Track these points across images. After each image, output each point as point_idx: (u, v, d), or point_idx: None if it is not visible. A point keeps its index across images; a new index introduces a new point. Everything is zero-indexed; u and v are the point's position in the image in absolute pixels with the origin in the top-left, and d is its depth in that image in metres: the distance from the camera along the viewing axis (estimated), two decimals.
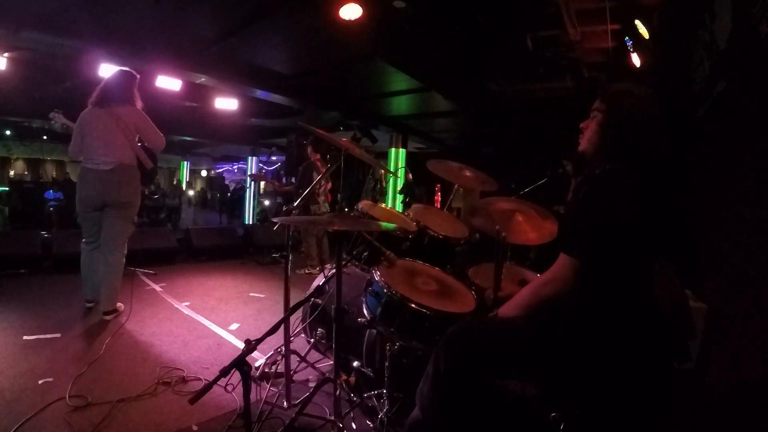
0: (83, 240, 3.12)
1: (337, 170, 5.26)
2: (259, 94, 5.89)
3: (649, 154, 1.29)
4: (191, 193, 16.75)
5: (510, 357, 1.33)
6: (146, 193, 3.48)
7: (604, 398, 1.23)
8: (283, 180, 6.89)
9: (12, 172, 16.17)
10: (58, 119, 3.34)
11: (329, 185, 5.29)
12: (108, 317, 3.11)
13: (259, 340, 1.29)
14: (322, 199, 5.10)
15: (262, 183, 12.19)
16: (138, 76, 3.19)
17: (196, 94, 6.03)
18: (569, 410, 1.23)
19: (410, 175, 5.39)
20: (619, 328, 1.22)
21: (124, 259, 3.19)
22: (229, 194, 15.56)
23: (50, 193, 9.29)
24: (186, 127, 9.41)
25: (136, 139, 3.12)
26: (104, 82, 3.07)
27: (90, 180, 2.97)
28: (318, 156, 5.00)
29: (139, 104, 3.14)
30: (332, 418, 1.70)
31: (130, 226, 3.20)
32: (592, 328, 1.24)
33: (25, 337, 2.71)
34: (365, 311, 1.88)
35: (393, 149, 8.59)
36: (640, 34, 3.69)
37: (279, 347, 2.29)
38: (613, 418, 1.23)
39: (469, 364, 1.32)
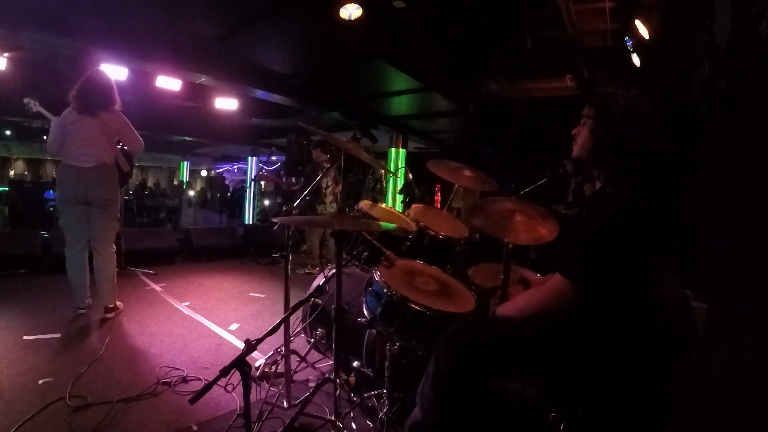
0: (66, 245, 3.11)
1: (337, 170, 5.32)
2: (259, 94, 5.88)
3: (644, 153, 1.27)
4: (191, 193, 16.74)
5: (511, 357, 1.33)
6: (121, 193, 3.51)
7: (604, 399, 1.23)
8: (283, 180, 6.89)
9: (12, 172, 16.17)
10: (33, 106, 3.31)
11: (339, 187, 5.35)
12: (109, 315, 3.14)
13: (259, 340, 1.29)
14: (329, 199, 5.15)
15: (263, 183, 12.22)
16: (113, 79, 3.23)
17: (196, 94, 6.03)
18: (569, 410, 1.23)
19: (410, 175, 5.40)
20: (618, 330, 1.22)
21: (115, 255, 3.25)
22: (229, 194, 15.56)
23: (50, 193, 9.28)
24: (186, 127, 9.41)
25: (116, 141, 3.19)
26: (85, 86, 3.06)
27: (71, 176, 3.01)
28: (326, 157, 5.08)
29: (117, 103, 3.17)
30: (332, 418, 1.70)
31: (116, 223, 3.28)
32: (591, 330, 1.24)
33: (25, 337, 2.72)
34: (365, 311, 1.87)
35: (393, 149, 8.58)
36: (640, 34, 3.69)
37: (279, 347, 2.29)
38: (613, 418, 1.23)
39: (469, 364, 1.32)
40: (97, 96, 3.07)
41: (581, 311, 1.24)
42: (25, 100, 3.32)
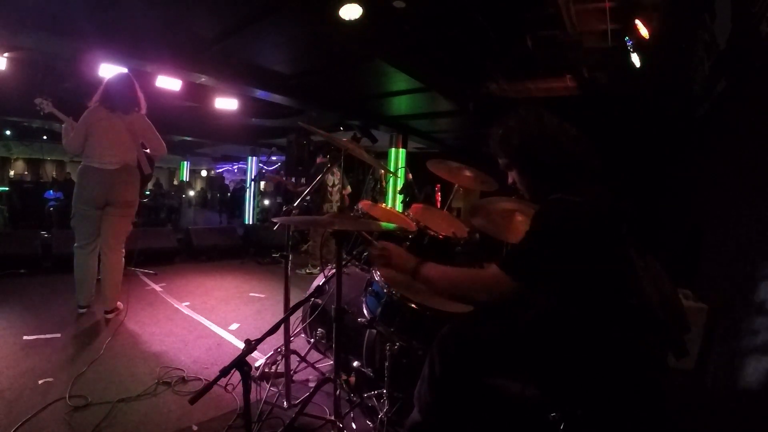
0: (77, 244, 3.09)
1: (344, 174, 5.37)
2: (259, 94, 5.88)
3: (564, 157, 1.30)
4: (191, 193, 16.72)
5: (503, 357, 1.34)
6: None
7: (596, 396, 1.23)
8: (284, 179, 6.91)
9: (12, 172, 16.16)
10: (45, 107, 3.20)
11: (347, 189, 5.39)
12: (109, 315, 3.14)
13: (259, 340, 1.29)
14: (336, 198, 5.20)
15: (263, 183, 12.22)
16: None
17: (196, 94, 6.02)
18: (569, 410, 1.23)
19: (410, 175, 5.42)
20: (600, 326, 1.23)
21: (124, 258, 3.22)
22: (229, 194, 15.54)
23: (50, 193, 9.27)
24: (186, 127, 9.39)
25: (140, 143, 3.19)
26: (111, 87, 3.08)
27: (95, 179, 2.98)
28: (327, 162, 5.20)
29: (144, 106, 3.20)
30: (332, 418, 1.70)
31: (130, 225, 3.25)
32: (573, 327, 1.25)
33: (25, 337, 2.72)
34: (365, 311, 1.88)
35: (393, 149, 8.58)
36: (640, 34, 3.69)
37: (279, 347, 2.29)
38: (608, 415, 1.23)
39: (463, 365, 1.32)
40: (127, 95, 3.11)
41: (561, 309, 1.27)
42: (37, 101, 3.20)
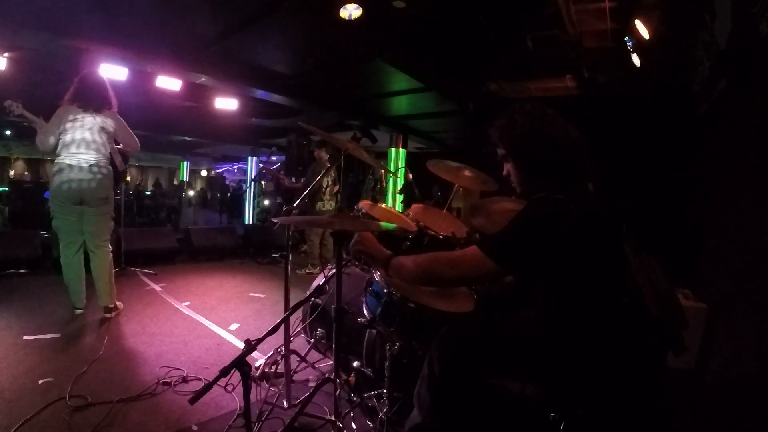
0: (62, 245, 3.11)
1: (337, 170, 5.38)
2: (259, 94, 5.88)
3: (560, 154, 1.31)
4: (191, 193, 16.71)
5: (502, 357, 1.34)
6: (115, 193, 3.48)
7: (596, 395, 1.23)
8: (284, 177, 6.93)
9: (12, 172, 16.16)
10: (16, 109, 3.18)
11: (336, 186, 5.41)
12: (109, 315, 3.15)
13: (259, 340, 1.29)
14: (327, 197, 5.21)
15: (263, 183, 12.23)
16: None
17: (196, 94, 6.02)
18: (569, 410, 1.23)
19: (410, 175, 5.42)
20: (595, 327, 1.23)
21: (111, 254, 3.25)
22: (229, 194, 15.55)
23: (50, 193, 9.28)
24: (186, 127, 9.39)
25: (113, 140, 3.24)
26: (83, 85, 3.13)
27: (68, 175, 3.00)
28: (328, 156, 5.23)
29: (115, 104, 3.25)
30: (332, 418, 1.70)
31: (111, 222, 3.28)
32: (569, 328, 1.25)
33: (25, 337, 2.72)
34: (365, 311, 1.88)
35: (393, 149, 8.58)
36: (640, 34, 3.69)
37: (279, 347, 2.29)
38: (608, 415, 1.23)
39: (462, 366, 1.32)
40: (99, 94, 3.15)
41: (559, 308, 1.27)
42: (6, 103, 3.20)
